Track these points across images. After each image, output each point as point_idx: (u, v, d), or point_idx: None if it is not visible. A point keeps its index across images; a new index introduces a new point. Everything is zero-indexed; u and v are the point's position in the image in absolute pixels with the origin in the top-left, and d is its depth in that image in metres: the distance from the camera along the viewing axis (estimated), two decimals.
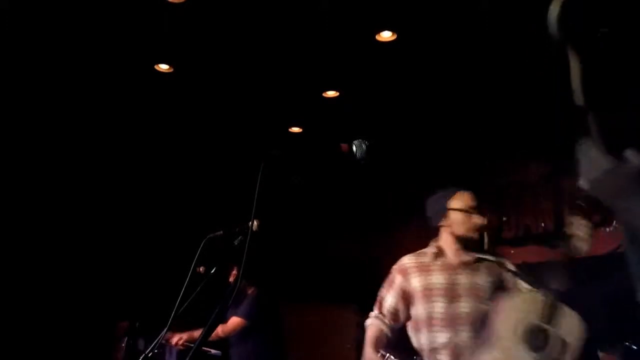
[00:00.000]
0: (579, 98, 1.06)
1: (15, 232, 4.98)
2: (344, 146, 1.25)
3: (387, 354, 3.89)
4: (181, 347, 3.87)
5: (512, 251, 4.65)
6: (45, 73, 4.14)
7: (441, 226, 2.38)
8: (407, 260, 2.46)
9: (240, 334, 3.90)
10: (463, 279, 2.24)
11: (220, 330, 3.82)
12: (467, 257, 2.28)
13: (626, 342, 1.50)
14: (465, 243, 2.30)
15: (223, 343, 3.98)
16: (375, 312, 2.49)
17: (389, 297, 2.38)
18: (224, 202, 5.21)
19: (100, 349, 5.30)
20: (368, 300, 5.69)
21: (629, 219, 0.96)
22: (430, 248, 2.40)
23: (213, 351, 4.01)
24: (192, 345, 3.66)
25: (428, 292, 2.26)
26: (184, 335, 3.84)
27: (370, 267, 6.11)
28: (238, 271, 3.83)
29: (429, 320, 2.24)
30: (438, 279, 2.26)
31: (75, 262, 5.36)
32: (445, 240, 2.36)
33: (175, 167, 5.69)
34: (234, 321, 3.84)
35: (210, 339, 3.79)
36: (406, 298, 2.36)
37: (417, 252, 2.47)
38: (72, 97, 4.51)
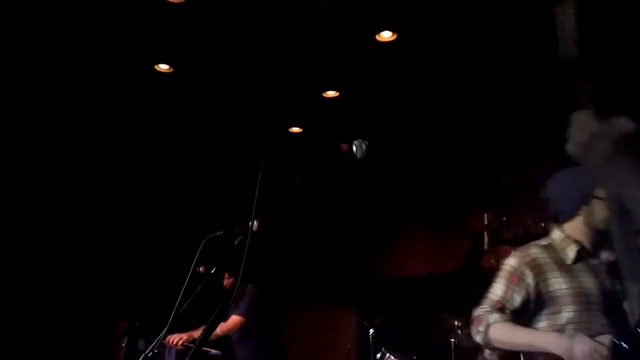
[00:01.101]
0: (572, 47, 1.10)
1: (15, 232, 4.97)
2: (344, 146, 1.25)
3: (387, 354, 3.90)
4: (181, 348, 3.87)
5: (512, 251, 4.65)
6: (46, 73, 4.14)
7: (575, 215, 1.83)
8: (535, 253, 1.90)
9: (241, 333, 3.90)
10: (608, 284, 1.80)
11: (219, 328, 3.81)
12: (609, 255, 1.83)
13: (615, 340, 1.46)
14: (601, 238, 1.84)
15: (223, 343, 3.98)
16: (497, 314, 1.85)
17: (515, 296, 1.84)
18: (224, 202, 5.21)
19: (100, 349, 5.30)
20: (368, 300, 5.70)
21: (613, 186, 0.97)
22: (563, 241, 1.88)
23: (213, 351, 4.01)
24: (192, 345, 3.66)
25: (579, 299, 1.78)
26: (184, 336, 3.83)
27: (370, 268, 6.12)
28: (237, 272, 3.84)
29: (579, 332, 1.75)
30: (588, 282, 1.80)
31: (76, 263, 5.36)
32: (581, 232, 1.84)
33: (175, 167, 5.69)
34: (233, 319, 3.84)
35: (212, 338, 3.79)
36: (542, 299, 1.85)
37: (538, 243, 1.95)
38: (73, 97, 4.51)
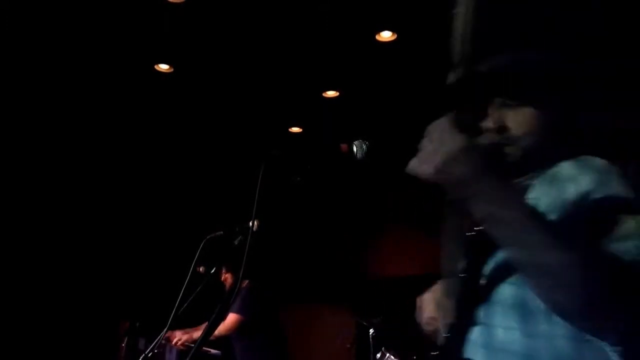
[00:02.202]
0: (458, 50, 0.99)
1: (16, 232, 4.98)
2: (344, 146, 1.25)
3: (387, 354, 3.90)
4: (181, 348, 3.87)
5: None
6: (46, 73, 4.14)
7: None
8: None
9: (241, 333, 3.87)
10: None
11: (221, 328, 3.80)
12: None
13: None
14: None
15: (223, 343, 3.97)
16: None
17: None
18: (224, 202, 5.22)
19: (101, 349, 5.30)
20: (367, 300, 5.72)
21: (475, 205, 0.85)
22: None
23: (213, 351, 4.01)
24: (192, 345, 3.66)
25: None
26: (185, 336, 3.83)
27: (370, 267, 6.12)
28: (235, 271, 3.83)
29: None
30: None
31: (76, 263, 5.36)
32: None
33: (175, 167, 5.69)
34: (230, 318, 3.81)
35: (215, 337, 3.78)
36: None
37: None
38: (73, 97, 4.51)
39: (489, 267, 1.03)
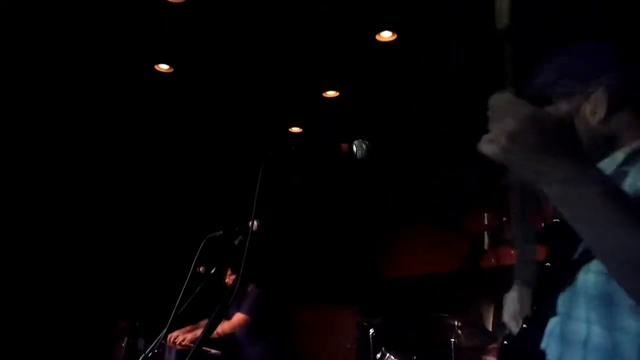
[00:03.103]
0: (503, 19, 0.90)
1: (15, 232, 4.98)
2: (344, 146, 1.25)
3: (387, 354, 3.90)
4: (181, 347, 3.87)
5: (512, 251, 4.65)
6: (46, 73, 4.14)
7: None
8: None
9: (248, 335, 3.89)
10: None
11: (225, 326, 3.81)
12: None
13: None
14: None
15: (223, 343, 3.97)
16: None
17: None
18: (224, 202, 5.21)
19: (100, 349, 5.30)
20: (368, 300, 5.70)
21: (547, 186, 0.75)
22: None
23: (213, 351, 4.00)
24: (192, 345, 3.66)
25: None
26: (188, 335, 3.84)
27: (370, 268, 6.12)
28: (236, 271, 3.84)
29: None
30: None
31: (75, 262, 5.36)
32: None
33: (175, 167, 5.69)
34: (238, 317, 3.83)
35: (215, 336, 3.79)
36: None
37: None
38: (73, 97, 4.51)
39: (573, 256, 0.96)
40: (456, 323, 3.91)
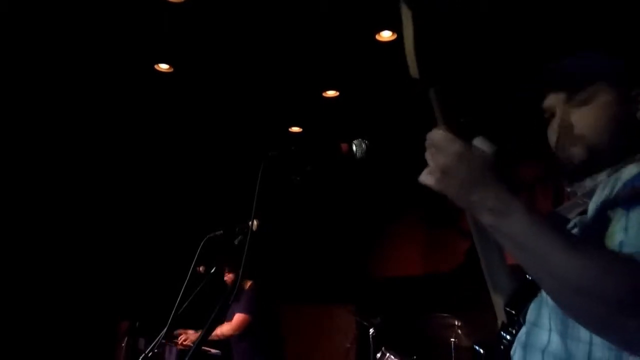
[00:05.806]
0: (413, 69, 0.94)
1: (16, 232, 4.98)
2: (344, 146, 1.25)
3: (387, 354, 3.90)
4: (184, 347, 3.88)
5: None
6: (46, 73, 4.14)
7: None
8: None
9: (246, 332, 3.89)
10: None
11: (225, 328, 3.82)
12: None
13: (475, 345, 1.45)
14: None
15: (223, 342, 3.98)
16: None
17: None
18: (224, 202, 5.22)
19: (101, 349, 5.30)
20: (367, 300, 5.70)
21: (480, 215, 0.79)
22: None
23: (213, 351, 4.01)
24: (192, 345, 3.67)
25: None
26: (192, 336, 3.84)
27: (370, 267, 6.12)
28: (237, 271, 3.84)
29: None
30: None
31: (76, 263, 5.36)
32: None
33: (175, 167, 5.70)
34: (239, 317, 3.83)
35: (219, 338, 3.80)
36: None
37: None
38: (73, 97, 4.51)
39: None
40: (456, 323, 3.91)
